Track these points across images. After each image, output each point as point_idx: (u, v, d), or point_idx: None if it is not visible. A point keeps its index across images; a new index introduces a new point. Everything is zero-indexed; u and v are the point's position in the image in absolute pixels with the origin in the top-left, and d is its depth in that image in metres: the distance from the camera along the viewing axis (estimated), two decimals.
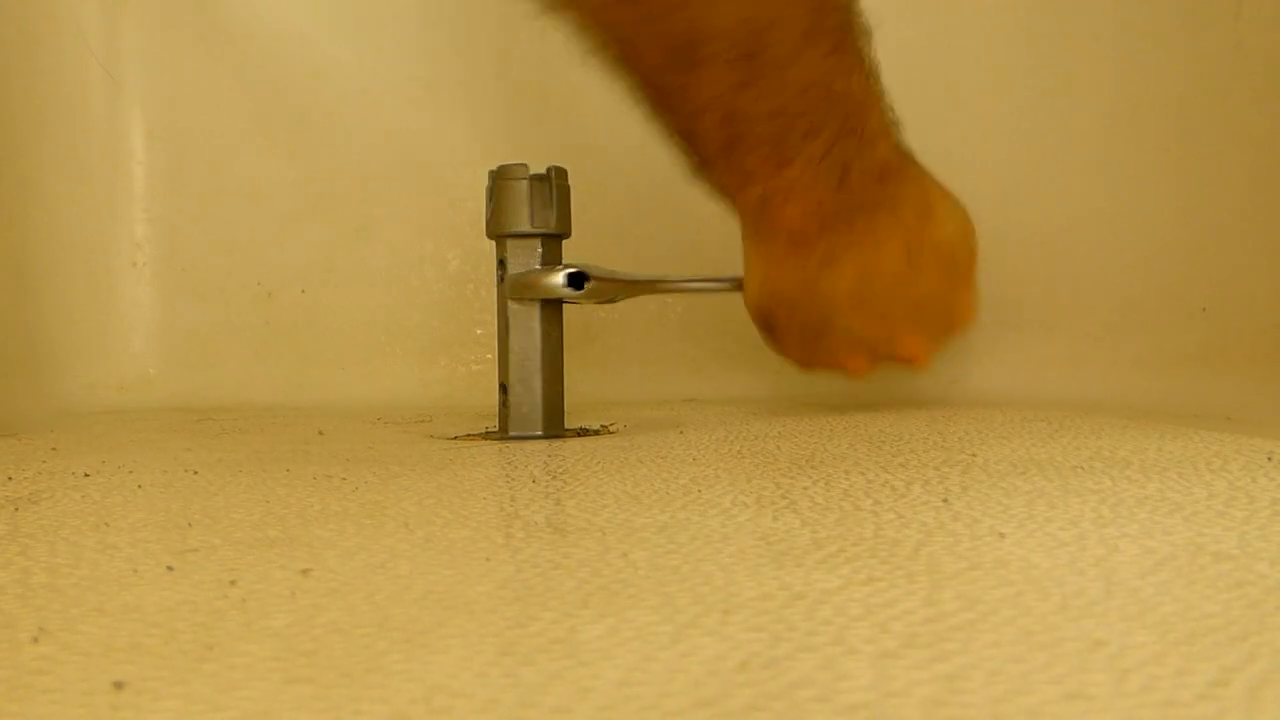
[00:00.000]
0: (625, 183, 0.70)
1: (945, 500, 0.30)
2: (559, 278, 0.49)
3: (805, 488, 0.32)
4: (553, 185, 0.49)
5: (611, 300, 0.52)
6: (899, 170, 0.48)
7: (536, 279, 0.49)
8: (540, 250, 0.50)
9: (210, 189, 0.75)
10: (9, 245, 0.69)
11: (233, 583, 0.23)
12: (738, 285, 0.53)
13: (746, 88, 0.43)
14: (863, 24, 0.45)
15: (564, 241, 0.51)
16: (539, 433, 0.49)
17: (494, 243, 0.51)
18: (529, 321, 0.50)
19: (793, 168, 0.45)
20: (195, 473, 0.39)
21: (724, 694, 0.16)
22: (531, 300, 0.50)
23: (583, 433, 0.51)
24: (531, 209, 0.49)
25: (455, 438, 0.50)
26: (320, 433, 0.52)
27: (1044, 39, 0.69)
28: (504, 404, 0.50)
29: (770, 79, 0.42)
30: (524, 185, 0.49)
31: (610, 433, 0.51)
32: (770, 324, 0.51)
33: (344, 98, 0.74)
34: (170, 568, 0.24)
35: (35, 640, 0.19)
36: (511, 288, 0.49)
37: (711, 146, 0.46)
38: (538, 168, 0.50)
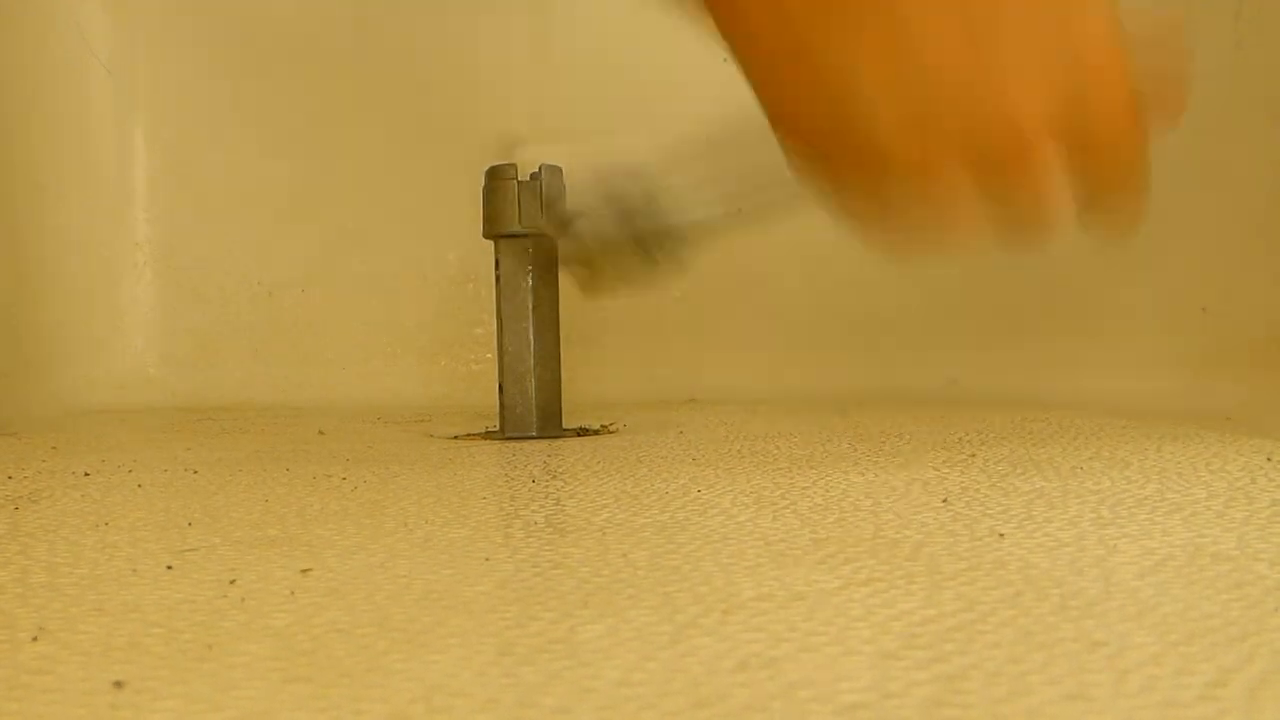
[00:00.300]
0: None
1: (945, 501, 0.30)
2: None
3: (805, 488, 0.32)
4: (543, 185, 0.49)
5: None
6: None
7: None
8: (530, 250, 0.49)
9: (211, 190, 0.75)
10: (10, 245, 0.69)
11: (232, 582, 0.23)
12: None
13: None
14: None
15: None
16: (534, 433, 0.49)
17: (494, 242, 0.51)
18: (522, 322, 0.50)
19: None
20: (195, 472, 0.39)
21: (723, 694, 0.16)
22: (525, 299, 0.50)
23: (582, 432, 0.51)
24: (520, 209, 0.49)
25: (455, 437, 0.50)
26: (320, 432, 0.52)
27: None
28: (505, 404, 0.50)
29: None
30: (513, 185, 0.49)
31: (610, 433, 0.51)
32: (797, 129, 0.32)
33: (344, 98, 0.74)
34: (170, 567, 0.24)
35: (35, 639, 0.19)
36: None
37: None
38: (536, 167, 0.50)
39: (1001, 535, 0.25)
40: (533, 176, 0.49)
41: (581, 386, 0.63)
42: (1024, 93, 0.30)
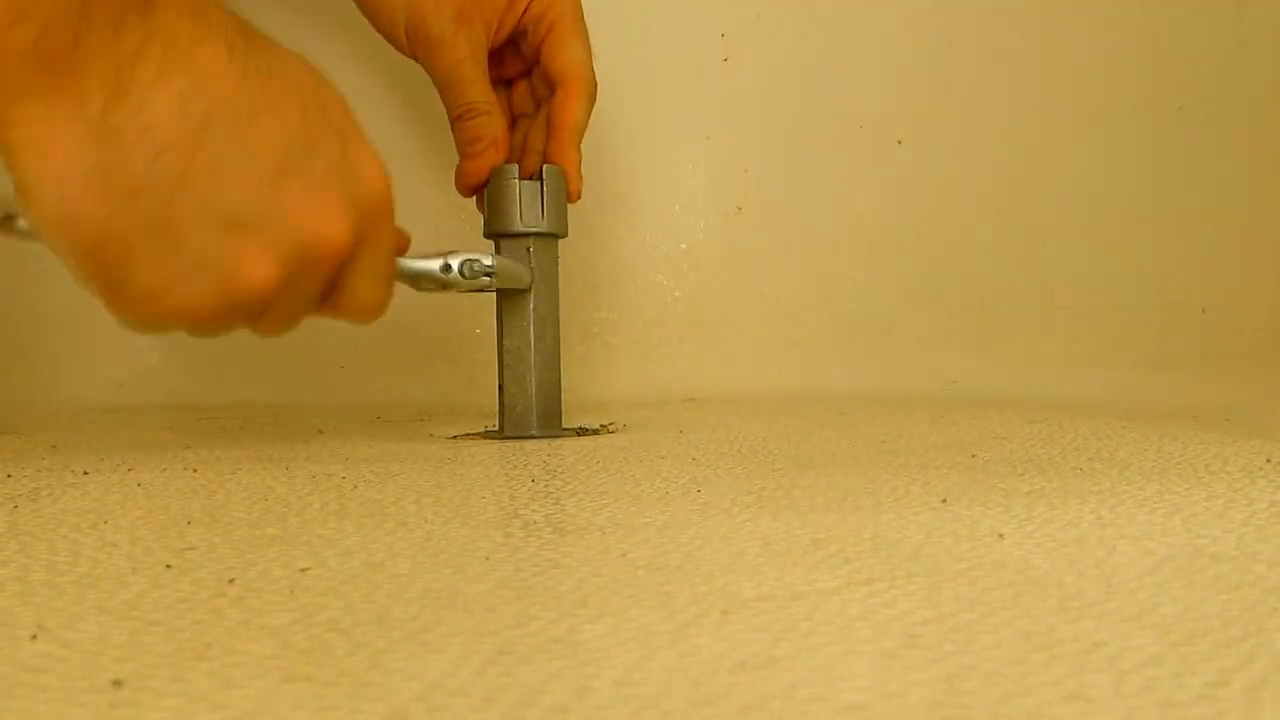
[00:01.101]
0: (624, 182, 0.70)
1: (945, 501, 0.30)
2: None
3: (805, 488, 0.32)
4: (543, 185, 0.49)
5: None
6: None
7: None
8: (531, 250, 0.49)
9: None
10: (10, 242, 0.69)
11: (232, 581, 0.23)
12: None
13: None
14: None
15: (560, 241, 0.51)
16: (534, 433, 0.49)
17: (494, 242, 0.51)
18: (522, 321, 0.50)
19: None
20: (194, 471, 0.39)
21: (723, 694, 0.16)
22: (525, 298, 0.50)
23: (582, 432, 0.51)
24: (521, 209, 0.49)
25: (455, 437, 0.50)
26: (320, 431, 0.52)
27: (1046, 42, 0.69)
28: (505, 404, 0.50)
29: None
30: (513, 185, 0.49)
31: (610, 433, 0.51)
32: (96, 237, 0.31)
33: (344, 95, 0.74)
34: (169, 565, 0.24)
35: (34, 638, 0.19)
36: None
37: None
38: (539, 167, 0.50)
39: (1001, 536, 0.25)
40: (533, 176, 0.49)
41: (581, 386, 0.63)
42: (315, 205, 0.35)
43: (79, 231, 0.31)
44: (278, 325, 0.37)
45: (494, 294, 0.51)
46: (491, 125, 0.51)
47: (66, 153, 0.30)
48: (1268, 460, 0.35)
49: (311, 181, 0.35)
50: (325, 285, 0.37)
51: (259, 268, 0.34)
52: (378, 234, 0.38)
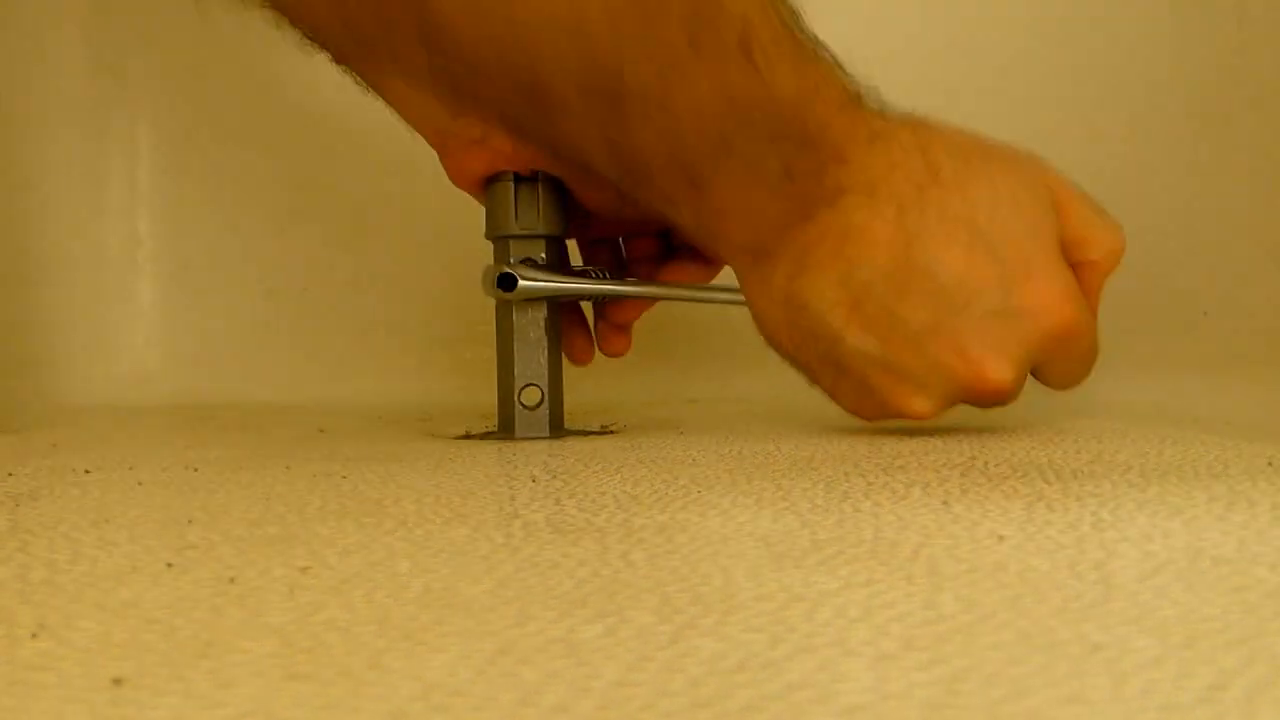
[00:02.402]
0: None
1: (945, 503, 0.30)
2: (490, 278, 0.49)
3: (805, 489, 0.32)
4: (540, 187, 0.49)
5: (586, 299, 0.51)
6: (876, 139, 0.40)
7: (486, 283, 0.49)
8: (543, 249, 0.49)
9: (211, 187, 0.75)
10: (10, 241, 0.69)
11: (232, 580, 0.23)
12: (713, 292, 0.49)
13: (620, 125, 0.37)
14: (782, 13, 0.38)
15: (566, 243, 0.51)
16: (534, 433, 0.49)
17: (493, 243, 0.51)
18: (522, 321, 0.50)
19: (714, 189, 0.39)
20: (195, 470, 0.39)
21: (722, 694, 0.16)
22: (538, 300, 0.50)
23: (582, 433, 0.51)
24: (517, 210, 0.49)
25: (455, 437, 0.50)
26: (320, 430, 0.52)
27: (1046, 43, 0.69)
28: (505, 404, 0.50)
29: (644, 112, 0.37)
30: (509, 187, 0.49)
31: (610, 433, 0.51)
32: (792, 359, 0.44)
33: (345, 96, 0.74)
34: (170, 564, 0.24)
35: (34, 636, 0.19)
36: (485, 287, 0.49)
37: (624, 184, 0.41)
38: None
39: (1001, 538, 0.25)
40: (533, 177, 0.49)
41: (581, 386, 0.63)
42: (966, 354, 0.41)
43: (781, 353, 0.44)
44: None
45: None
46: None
47: (769, 300, 0.42)
48: (1269, 463, 0.35)
49: (965, 328, 0.39)
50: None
51: (919, 405, 0.41)
52: (1064, 352, 0.42)
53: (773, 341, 0.44)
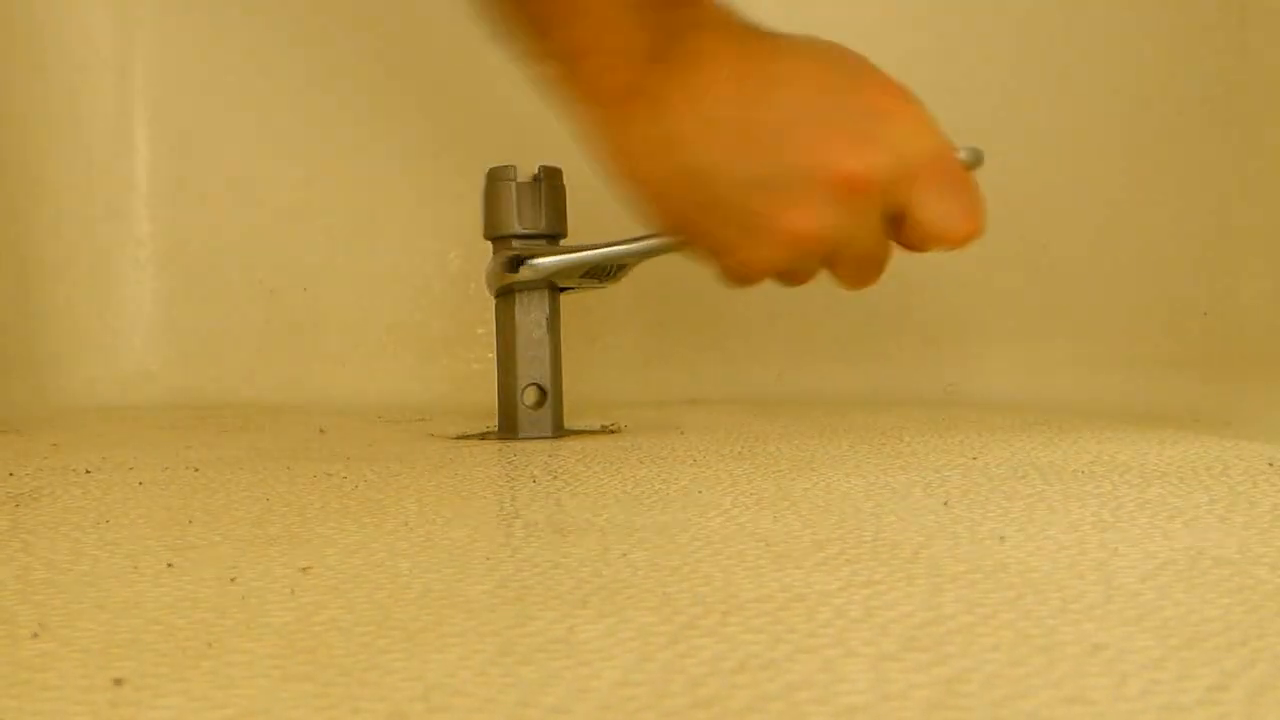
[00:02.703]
0: None
1: (946, 503, 0.30)
2: (497, 264, 0.49)
3: (806, 489, 0.32)
4: (542, 186, 0.49)
5: (597, 282, 0.50)
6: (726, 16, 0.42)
7: (491, 273, 0.49)
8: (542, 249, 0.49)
9: (213, 187, 0.75)
10: (12, 241, 0.69)
11: (233, 580, 0.23)
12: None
13: None
14: None
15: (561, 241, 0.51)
16: (534, 433, 0.49)
17: (493, 243, 0.51)
18: (523, 321, 0.50)
19: (575, 26, 0.41)
20: (196, 470, 0.39)
21: (723, 695, 0.16)
22: (537, 299, 0.49)
23: (583, 432, 0.51)
24: (519, 210, 0.49)
25: (455, 437, 0.50)
26: (321, 431, 0.52)
27: (1047, 44, 0.69)
28: (505, 404, 0.50)
29: None
30: (511, 187, 0.49)
31: (610, 433, 0.51)
32: (694, 234, 0.42)
33: (347, 96, 0.74)
34: (170, 564, 0.24)
35: (35, 636, 0.19)
36: (489, 284, 0.50)
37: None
38: (536, 168, 0.50)
39: (1002, 538, 0.25)
40: (534, 178, 0.49)
41: (581, 386, 0.63)
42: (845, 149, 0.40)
43: (651, 209, 0.43)
44: (861, 271, 0.43)
45: (494, 294, 0.51)
46: None
47: (639, 147, 0.41)
48: (1270, 464, 0.35)
49: (820, 134, 0.40)
50: (885, 219, 0.41)
51: (797, 220, 0.40)
52: (920, 159, 0.41)
53: (642, 193, 0.42)
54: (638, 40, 0.40)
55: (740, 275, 0.43)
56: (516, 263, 0.48)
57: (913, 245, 0.42)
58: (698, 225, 0.42)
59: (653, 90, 0.40)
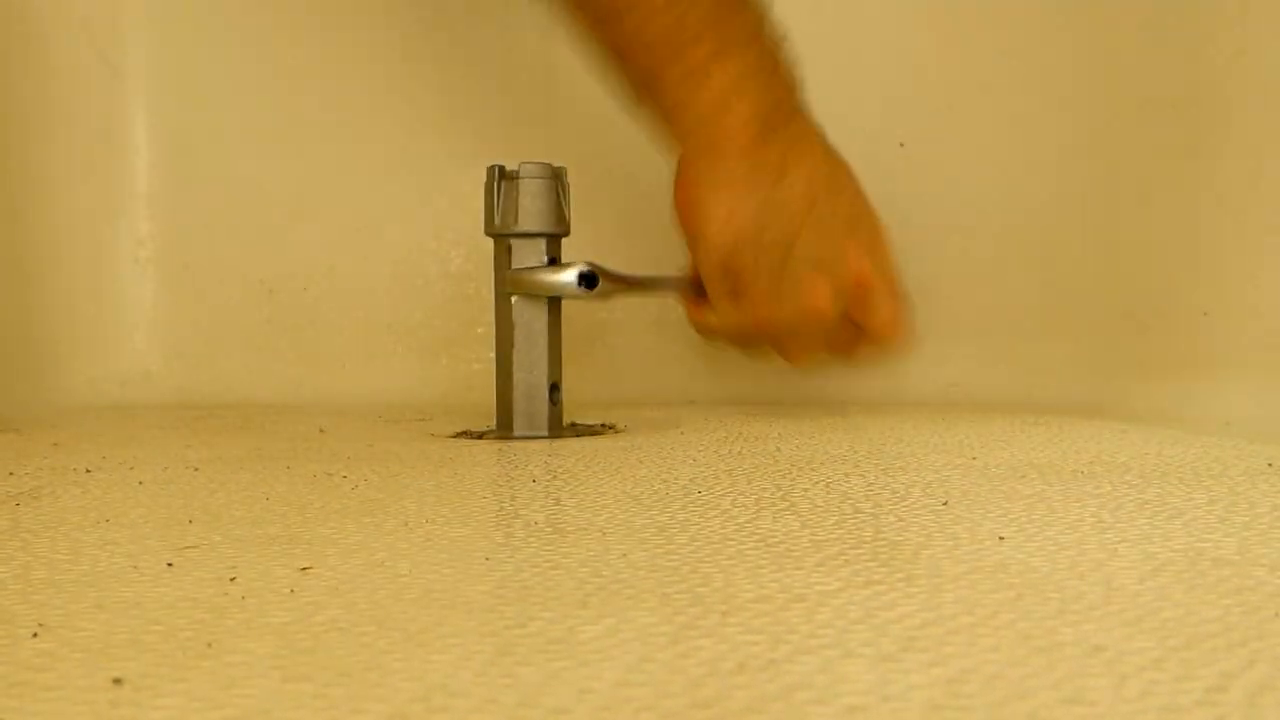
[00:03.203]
0: (626, 182, 0.70)
1: (945, 504, 0.30)
2: (570, 276, 0.49)
3: (805, 490, 0.32)
4: (544, 185, 0.49)
5: (604, 297, 0.52)
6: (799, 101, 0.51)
7: (545, 277, 0.49)
8: (544, 248, 0.49)
9: (213, 186, 0.75)
10: (12, 240, 0.69)
11: (233, 580, 0.23)
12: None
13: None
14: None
15: (563, 240, 0.51)
16: (534, 433, 0.49)
17: (493, 241, 0.51)
18: (522, 321, 0.50)
19: (732, 59, 0.47)
20: (196, 469, 0.39)
21: (722, 695, 0.16)
22: (538, 299, 0.49)
23: (582, 432, 0.51)
24: (530, 208, 0.49)
25: (455, 436, 0.50)
26: (321, 430, 0.52)
27: (1047, 44, 0.69)
28: (505, 404, 0.50)
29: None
30: (522, 185, 0.49)
31: (611, 433, 0.51)
32: (735, 270, 0.49)
33: (347, 95, 0.74)
34: (170, 564, 0.24)
35: (35, 636, 0.19)
36: (515, 284, 0.49)
37: (640, 54, 0.48)
38: (538, 168, 0.50)
39: (1002, 539, 0.25)
40: (535, 177, 0.49)
41: (581, 386, 0.63)
42: (856, 253, 0.50)
43: (712, 248, 0.49)
44: (805, 349, 0.51)
45: (494, 293, 0.51)
46: None
47: (742, 202, 0.48)
48: (1269, 464, 0.35)
49: (857, 237, 0.50)
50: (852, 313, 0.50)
51: (823, 297, 0.48)
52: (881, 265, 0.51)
53: (729, 249, 0.48)
54: (751, 112, 0.47)
55: (750, 328, 0.50)
56: (591, 279, 0.49)
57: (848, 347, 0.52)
58: (741, 276, 0.48)
59: (756, 160, 0.48)
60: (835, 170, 0.50)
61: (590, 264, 0.49)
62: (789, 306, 0.49)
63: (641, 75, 0.49)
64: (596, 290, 0.49)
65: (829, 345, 0.51)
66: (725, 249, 0.49)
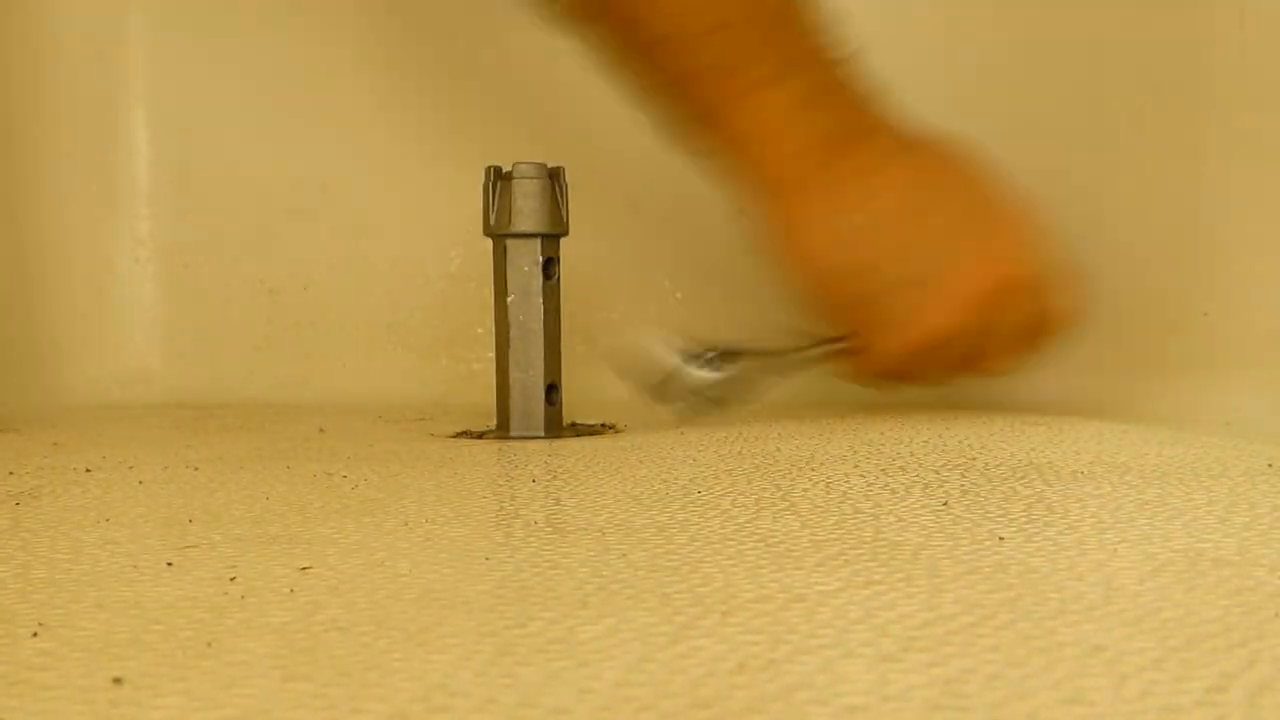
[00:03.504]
0: (625, 182, 0.70)
1: (945, 504, 0.30)
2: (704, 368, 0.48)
3: (805, 490, 0.32)
4: (544, 185, 0.49)
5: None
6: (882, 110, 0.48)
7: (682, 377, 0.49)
8: (540, 248, 0.49)
9: (213, 185, 0.75)
10: (12, 240, 0.69)
11: (233, 579, 0.23)
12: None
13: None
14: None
15: (561, 240, 0.51)
16: (534, 433, 0.49)
17: (492, 241, 0.51)
18: (522, 320, 0.49)
19: (785, 85, 0.45)
20: (196, 469, 0.39)
21: (722, 695, 0.16)
22: (535, 296, 0.49)
23: (582, 432, 0.51)
24: (525, 208, 0.49)
25: (455, 436, 0.50)
26: (321, 430, 0.52)
27: (1047, 45, 0.69)
28: (504, 404, 0.50)
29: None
30: (521, 184, 0.49)
31: (611, 433, 0.51)
32: (847, 306, 0.47)
33: (347, 95, 0.74)
34: (170, 564, 0.24)
35: (35, 635, 0.19)
36: (657, 392, 0.49)
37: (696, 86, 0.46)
38: (537, 167, 0.50)
39: (1001, 539, 0.25)
40: (535, 177, 0.49)
41: (581, 386, 0.63)
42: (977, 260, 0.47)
43: (806, 285, 0.47)
44: (993, 364, 0.50)
45: (494, 292, 0.51)
46: None
47: (823, 235, 0.47)
48: (1269, 465, 0.35)
49: (970, 249, 0.47)
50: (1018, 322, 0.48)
51: (935, 315, 0.46)
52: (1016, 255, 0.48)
53: (809, 280, 0.47)
54: (814, 138, 0.46)
55: (878, 370, 0.49)
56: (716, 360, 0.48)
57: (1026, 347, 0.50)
58: (854, 315, 0.47)
59: (830, 187, 0.46)
60: (932, 176, 0.48)
61: (725, 346, 0.49)
62: (913, 332, 0.46)
63: (691, 109, 0.47)
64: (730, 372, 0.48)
65: (1001, 351, 0.49)
66: (827, 289, 0.47)
